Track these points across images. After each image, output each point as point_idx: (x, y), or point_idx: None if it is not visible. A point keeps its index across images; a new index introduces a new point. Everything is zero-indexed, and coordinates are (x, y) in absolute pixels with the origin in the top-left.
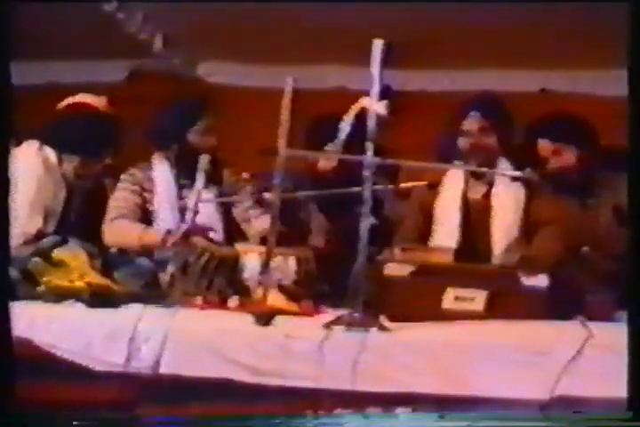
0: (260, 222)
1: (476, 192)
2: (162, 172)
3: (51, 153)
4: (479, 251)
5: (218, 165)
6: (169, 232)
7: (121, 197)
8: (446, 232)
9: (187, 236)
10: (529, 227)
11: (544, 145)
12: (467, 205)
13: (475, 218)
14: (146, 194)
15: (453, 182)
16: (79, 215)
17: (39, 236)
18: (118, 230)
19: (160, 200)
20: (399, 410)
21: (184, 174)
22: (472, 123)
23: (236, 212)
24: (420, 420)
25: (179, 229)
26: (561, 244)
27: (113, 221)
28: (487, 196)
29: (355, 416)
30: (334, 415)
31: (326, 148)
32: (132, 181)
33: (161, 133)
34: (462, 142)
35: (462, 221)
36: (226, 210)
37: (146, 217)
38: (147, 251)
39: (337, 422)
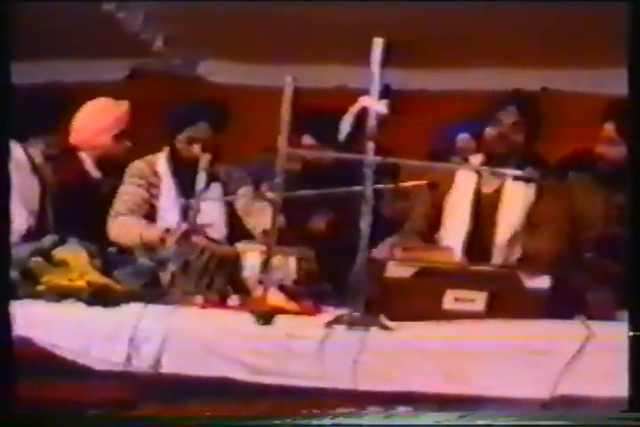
0: (262, 217)
1: (490, 186)
2: (166, 168)
3: (18, 151)
4: (485, 245)
5: (221, 164)
6: (168, 231)
7: (127, 192)
8: (455, 226)
9: (187, 235)
10: (532, 224)
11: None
12: (479, 198)
13: (484, 211)
14: (152, 189)
15: (467, 177)
16: (61, 209)
17: (29, 234)
18: (122, 227)
19: (164, 196)
20: (399, 409)
21: (186, 175)
22: (508, 116)
23: (239, 206)
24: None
25: (178, 229)
26: (561, 242)
27: (118, 217)
28: (499, 190)
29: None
30: (348, 415)
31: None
32: (139, 175)
33: (160, 131)
34: (490, 131)
35: (472, 218)
36: (229, 208)
37: (152, 212)
38: (148, 249)
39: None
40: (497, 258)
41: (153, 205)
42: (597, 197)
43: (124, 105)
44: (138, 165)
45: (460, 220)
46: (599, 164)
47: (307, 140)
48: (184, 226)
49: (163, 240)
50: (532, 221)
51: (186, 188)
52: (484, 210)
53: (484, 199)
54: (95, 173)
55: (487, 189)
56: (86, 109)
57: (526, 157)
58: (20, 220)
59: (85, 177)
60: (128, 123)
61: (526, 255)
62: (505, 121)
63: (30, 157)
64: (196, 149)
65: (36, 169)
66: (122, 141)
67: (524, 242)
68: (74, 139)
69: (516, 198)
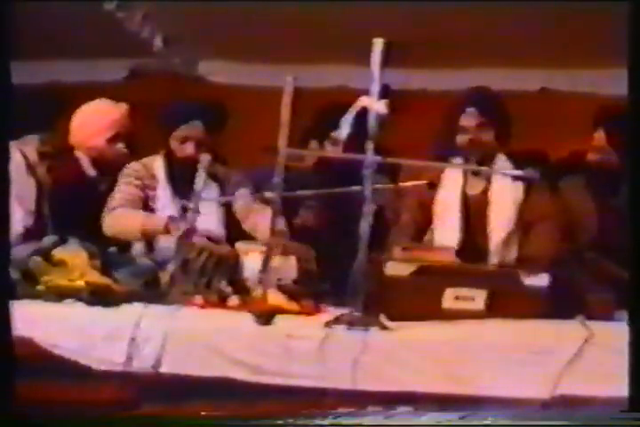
0: (261, 219)
1: (475, 188)
2: (162, 170)
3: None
4: (478, 246)
5: (219, 165)
6: (172, 218)
7: (124, 190)
8: (447, 228)
9: (186, 235)
10: (525, 222)
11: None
12: (466, 200)
13: (474, 213)
14: (148, 191)
15: (452, 179)
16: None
17: (27, 233)
18: (119, 218)
19: (161, 198)
20: (400, 409)
21: (182, 175)
22: (469, 119)
23: (237, 208)
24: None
25: (181, 219)
26: (558, 240)
27: (114, 211)
28: (485, 191)
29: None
30: (348, 415)
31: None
32: (135, 176)
33: (157, 131)
34: (460, 139)
35: (463, 218)
36: (227, 209)
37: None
38: (148, 237)
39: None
40: (493, 259)
41: (151, 208)
42: (594, 197)
43: (121, 107)
44: (134, 167)
45: (450, 223)
46: (592, 169)
47: (314, 145)
48: (183, 226)
49: (167, 228)
50: (525, 220)
51: (182, 189)
52: (474, 212)
53: (471, 201)
54: (91, 172)
55: (473, 190)
56: (84, 110)
57: (518, 157)
58: (17, 219)
59: (83, 176)
60: (125, 126)
61: (523, 254)
62: (469, 126)
63: (26, 157)
64: (190, 148)
65: (32, 169)
66: (115, 144)
67: (519, 241)
68: (71, 138)
69: (504, 198)
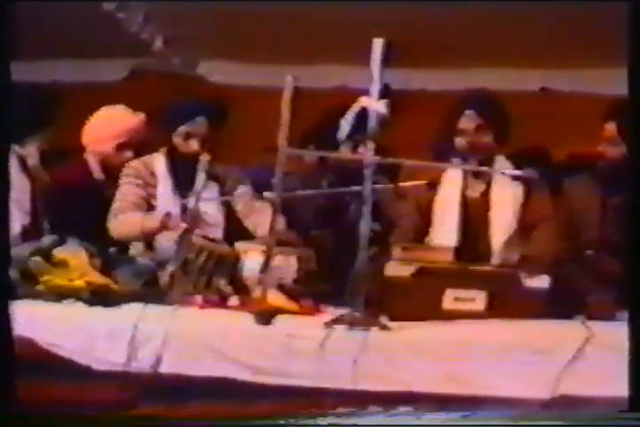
0: (262, 217)
1: (475, 190)
2: (163, 168)
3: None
4: (478, 249)
5: (219, 164)
6: (168, 215)
7: (126, 191)
8: (446, 231)
9: (186, 234)
10: (526, 224)
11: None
12: (465, 203)
13: (473, 216)
14: (150, 189)
15: (452, 181)
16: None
17: (26, 233)
18: (122, 224)
19: (162, 196)
20: (400, 409)
21: (184, 173)
22: (468, 122)
23: (238, 206)
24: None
25: (181, 218)
26: (558, 241)
27: (117, 216)
28: (486, 194)
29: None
30: (348, 415)
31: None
32: (135, 175)
33: (157, 130)
34: (459, 141)
35: (461, 220)
36: (227, 208)
37: (151, 211)
38: (148, 236)
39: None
40: (495, 261)
41: (152, 205)
42: (596, 198)
43: (138, 117)
44: (134, 165)
45: (449, 224)
46: (599, 163)
47: (312, 147)
48: (183, 225)
49: (164, 225)
50: (526, 222)
51: (183, 186)
52: (474, 214)
53: (471, 203)
54: (99, 174)
55: (472, 193)
56: (101, 113)
57: (519, 158)
58: (14, 219)
59: (87, 178)
60: (138, 135)
61: (525, 255)
62: (467, 128)
63: (20, 157)
64: (194, 144)
65: (26, 169)
66: (123, 152)
67: (521, 243)
68: (83, 139)
69: (504, 201)
